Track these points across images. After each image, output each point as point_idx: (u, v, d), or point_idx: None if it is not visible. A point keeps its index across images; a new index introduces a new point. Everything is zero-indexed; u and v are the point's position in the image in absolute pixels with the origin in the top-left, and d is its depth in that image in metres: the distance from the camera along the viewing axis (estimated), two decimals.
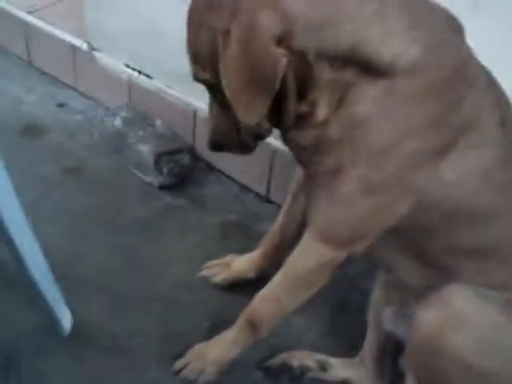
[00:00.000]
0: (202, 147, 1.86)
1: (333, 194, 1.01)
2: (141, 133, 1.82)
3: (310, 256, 1.09)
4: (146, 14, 1.81)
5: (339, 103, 0.95)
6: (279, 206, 1.46)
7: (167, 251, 1.61)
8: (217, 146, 1.12)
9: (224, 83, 0.95)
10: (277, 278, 1.16)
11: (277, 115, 1.00)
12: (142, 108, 1.94)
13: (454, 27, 1.00)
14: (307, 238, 1.08)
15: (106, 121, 1.91)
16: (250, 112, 0.96)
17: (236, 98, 0.95)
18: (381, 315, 1.28)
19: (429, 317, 1.06)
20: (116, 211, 1.72)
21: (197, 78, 1.03)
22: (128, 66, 1.98)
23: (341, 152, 0.97)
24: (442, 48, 0.94)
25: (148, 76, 1.94)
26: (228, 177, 1.86)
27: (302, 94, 0.97)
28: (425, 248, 1.07)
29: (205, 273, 1.52)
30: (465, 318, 1.03)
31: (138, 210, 1.73)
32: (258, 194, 1.81)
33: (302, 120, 0.99)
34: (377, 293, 1.31)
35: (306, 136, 1.01)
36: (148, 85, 1.94)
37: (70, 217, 1.68)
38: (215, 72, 0.96)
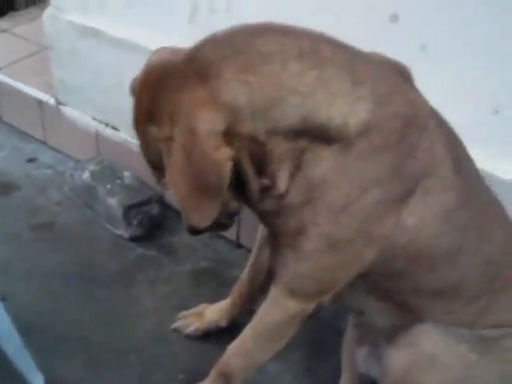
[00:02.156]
0: (171, 196, 1.86)
1: (297, 252, 1.00)
2: (109, 186, 1.82)
3: (277, 310, 1.09)
4: (109, 67, 1.83)
5: (296, 169, 0.94)
6: (249, 251, 1.47)
7: (140, 303, 1.61)
8: (195, 231, 1.11)
9: (171, 191, 0.93)
10: (246, 332, 1.16)
11: (242, 193, 0.99)
12: (110, 160, 1.94)
13: (400, 74, 1.01)
14: (274, 293, 1.08)
15: (75, 175, 1.91)
16: (201, 217, 0.95)
17: (184, 206, 0.94)
18: (354, 356, 1.29)
19: (397, 359, 1.07)
20: (88, 265, 1.72)
21: (159, 182, 1.03)
22: (95, 119, 2.00)
23: (302, 214, 0.96)
24: (389, 99, 0.93)
25: (114, 128, 1.96)
26: None
27: (261, 170, 0.95)
28: (392, 291, 1.09)
29: (177, 324, 1.52)
30: (434, 358, 1.04)
31: (110, 263, 1.73)
32: (228, 240, 1.81)
33: (265, 191, 0.98)
34: (349, 334, 1.32)
35: (269, 204, 1.00)
36: (115, 137, 1.95)
37: (43, 274, 1.67)
38: None
